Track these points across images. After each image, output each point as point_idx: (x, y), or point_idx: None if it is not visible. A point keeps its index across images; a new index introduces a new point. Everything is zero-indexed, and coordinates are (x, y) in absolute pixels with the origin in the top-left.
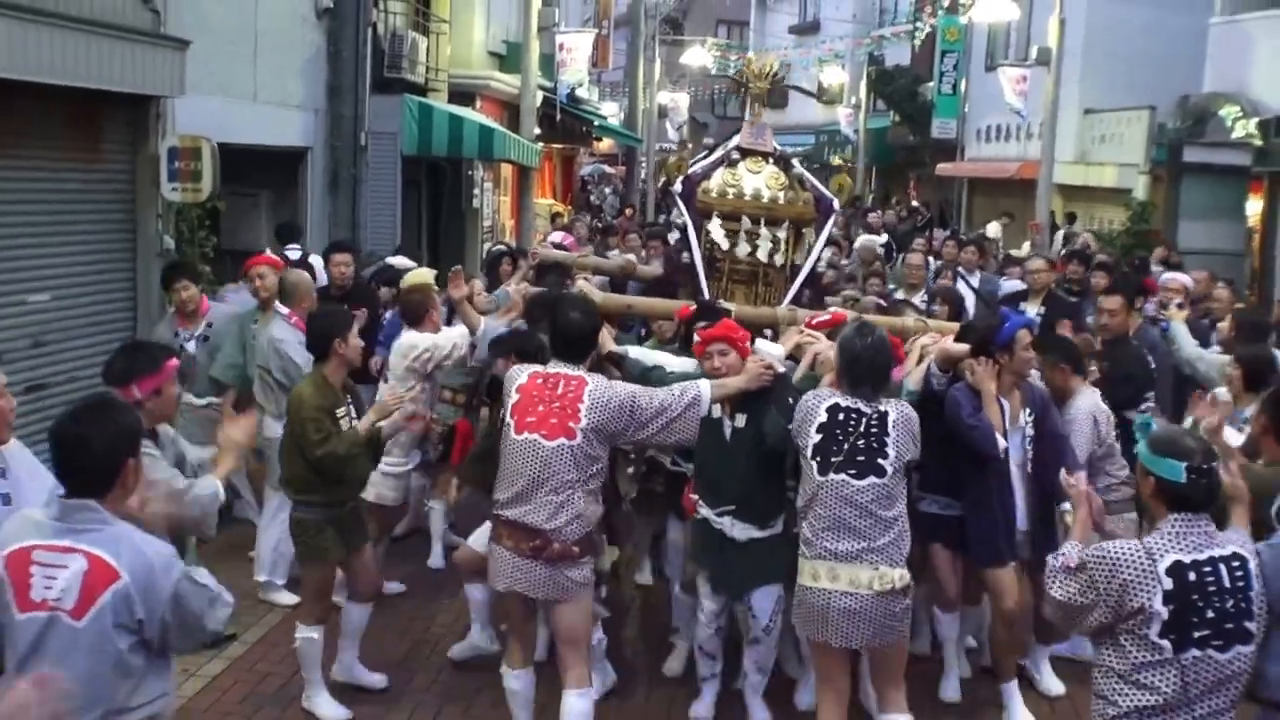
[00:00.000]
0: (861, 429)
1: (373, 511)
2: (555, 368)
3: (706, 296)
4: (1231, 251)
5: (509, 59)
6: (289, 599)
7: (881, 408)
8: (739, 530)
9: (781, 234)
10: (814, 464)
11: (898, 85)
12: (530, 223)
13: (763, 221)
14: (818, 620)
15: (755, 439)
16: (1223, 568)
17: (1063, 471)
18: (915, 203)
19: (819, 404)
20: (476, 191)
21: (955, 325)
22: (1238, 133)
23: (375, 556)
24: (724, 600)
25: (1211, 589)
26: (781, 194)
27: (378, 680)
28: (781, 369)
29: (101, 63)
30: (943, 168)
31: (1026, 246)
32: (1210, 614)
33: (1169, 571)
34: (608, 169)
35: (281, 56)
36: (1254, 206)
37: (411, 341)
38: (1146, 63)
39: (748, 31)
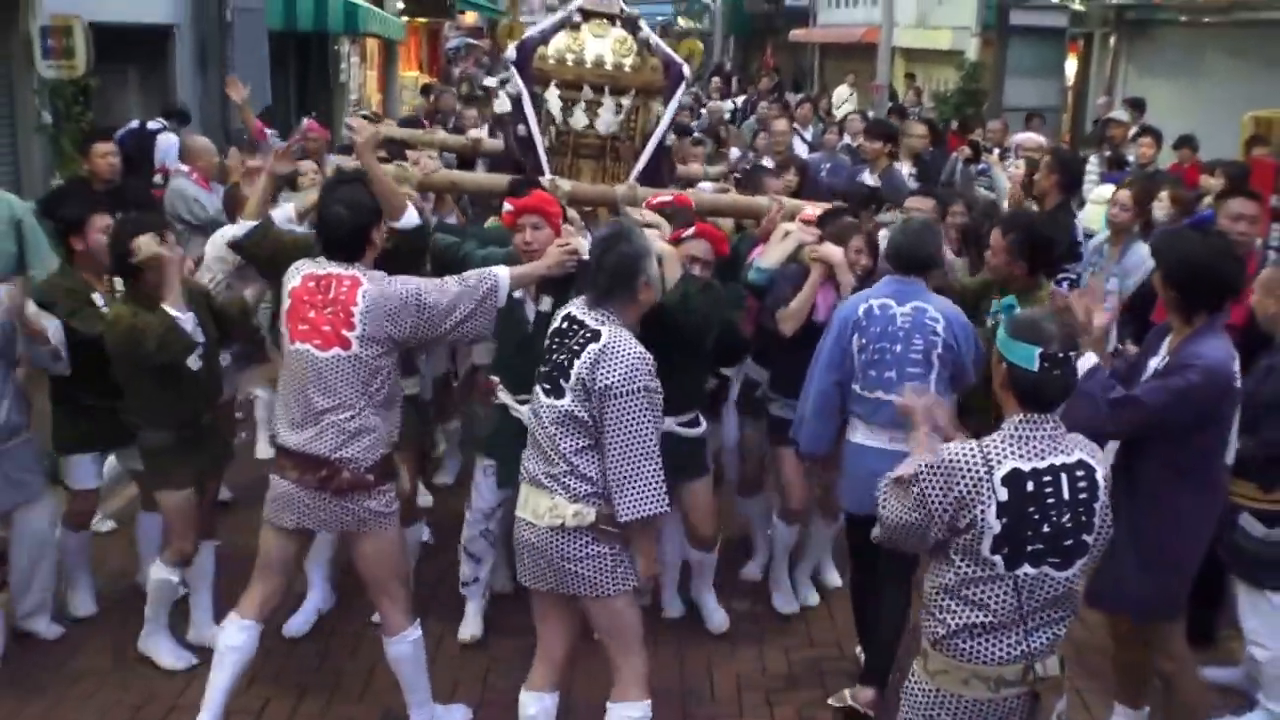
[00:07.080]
0: None
1: None
2: (327, 268)
3: (548, 173)
4: (1053, 107)
5: None
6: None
7: None
8: None
9: (626, 103)
10: None
11: None
12: (397, 95)
13: (606, 90)
14: None
15: None
16: (1064, 477)
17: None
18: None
19: None
20: (344, 66)
21: (811, 205)
22: None
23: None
24: (505, 495)
25: (1050, 501)
26: (627, 60)
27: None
28: (586, 256)
29: None
30: (795, 34)
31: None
32: (1046, 528)
33: (1005, 481)
34: (474, 42)
35: None
36: (1072, 66)
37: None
38: None
39: None
